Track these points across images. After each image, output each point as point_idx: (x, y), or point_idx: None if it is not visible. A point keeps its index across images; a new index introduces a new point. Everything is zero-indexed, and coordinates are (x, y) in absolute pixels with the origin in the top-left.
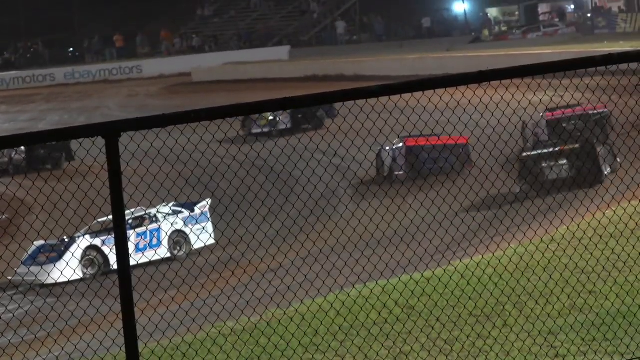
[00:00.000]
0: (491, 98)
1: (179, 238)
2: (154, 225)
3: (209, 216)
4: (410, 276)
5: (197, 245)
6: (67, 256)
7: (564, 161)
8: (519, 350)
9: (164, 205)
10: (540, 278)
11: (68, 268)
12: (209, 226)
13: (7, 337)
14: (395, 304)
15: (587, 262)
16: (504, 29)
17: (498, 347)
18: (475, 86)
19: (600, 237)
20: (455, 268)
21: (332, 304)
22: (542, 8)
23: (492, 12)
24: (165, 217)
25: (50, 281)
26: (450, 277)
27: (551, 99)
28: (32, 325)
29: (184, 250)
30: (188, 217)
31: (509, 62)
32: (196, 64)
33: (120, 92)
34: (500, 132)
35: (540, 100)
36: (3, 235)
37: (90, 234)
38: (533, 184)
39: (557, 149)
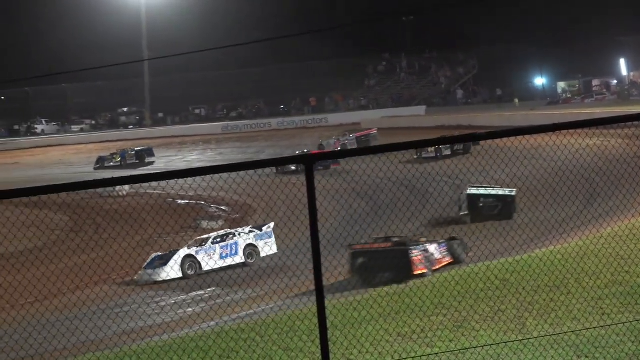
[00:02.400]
0: (561, 142)
1: (251, 250)
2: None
3: (272, 234)
4: (506, 259)
5: (263, 255)
6: (171, 263)
7: None
8: (578, 310)
9: (243, 228)
10: (592, 262)
11: (172, 271)
12: (272, 241)
13: (229, 296)
14: (495, 277)
15: (624, 252)
16: (568, 96)
17: (564, 308)
18: (550, 133)
19: (634, 235)
20: (536, 254)
21: (453, 277)
22: (595, 82)
23: (561, 84)
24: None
25: (159, 279)
26: (533, 261)
27: (602, 143)
28: (240, 290)
29: (254, 259)
30: (257, 234)
31: (572, 118)
32: (364, 117)
33: (313, 135)
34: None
35: (595, 143)
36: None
37: (189, 247)
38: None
39: None
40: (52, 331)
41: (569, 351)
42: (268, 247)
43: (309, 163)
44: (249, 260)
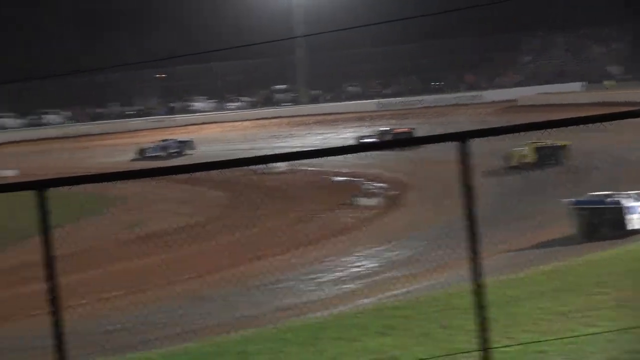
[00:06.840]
0: None
1: None
2: None
3: None
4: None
5: None
6: None
7: None
8: None
9: None
10: None
11: None
12: None
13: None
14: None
15: None
16: None
17: None
18: None
19: None
20: None
21: (617, 255)
22: None
23: None
24: None
25: None
26: None
27: None
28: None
29: None
30: None
31: None
32: (520, 94)
33: (467, 112)
34: None
35: None
36: (393, 206)
37: None
38: None
39: None
40: (208, 307)
41: None
42: None
43: (463, 139)
44: None
